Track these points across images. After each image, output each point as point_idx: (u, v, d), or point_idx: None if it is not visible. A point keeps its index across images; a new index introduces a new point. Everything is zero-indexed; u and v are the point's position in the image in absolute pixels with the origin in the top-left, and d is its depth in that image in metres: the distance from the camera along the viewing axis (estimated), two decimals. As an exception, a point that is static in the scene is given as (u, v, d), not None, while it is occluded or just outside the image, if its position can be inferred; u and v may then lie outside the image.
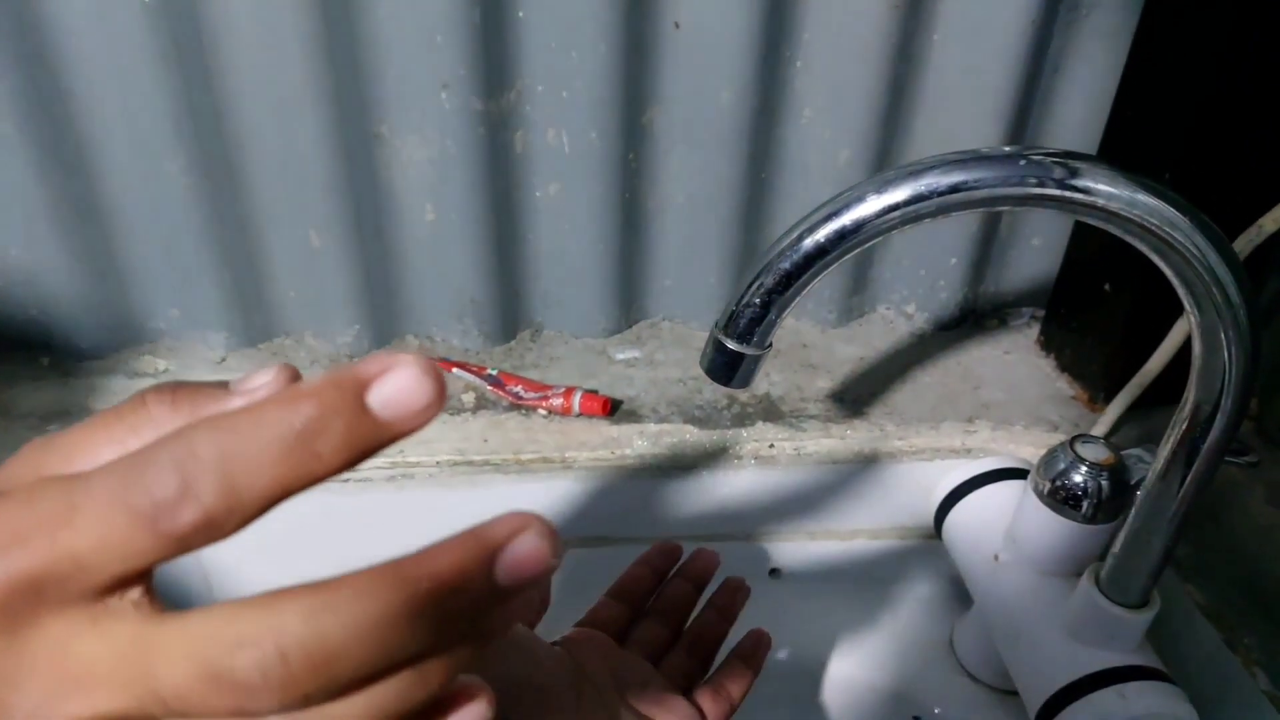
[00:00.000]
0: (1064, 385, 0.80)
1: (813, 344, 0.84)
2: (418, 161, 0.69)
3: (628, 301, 0.83)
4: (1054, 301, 0.84)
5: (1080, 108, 0.76)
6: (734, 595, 0.58)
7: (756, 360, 0.49)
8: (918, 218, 0.44)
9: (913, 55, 0.73)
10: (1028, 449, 0.73)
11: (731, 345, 0.48)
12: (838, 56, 0.72)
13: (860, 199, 0.43)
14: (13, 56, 0.61)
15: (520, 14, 0.66)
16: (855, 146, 0.75)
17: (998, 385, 0.80)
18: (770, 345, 0.49)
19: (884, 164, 0.77)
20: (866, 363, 0.82)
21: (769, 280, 0.46)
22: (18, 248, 0.68)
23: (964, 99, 0.74)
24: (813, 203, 0.71)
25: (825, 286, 0.84)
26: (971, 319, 0.88)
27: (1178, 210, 0.41)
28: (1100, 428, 0.71)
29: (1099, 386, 0.77)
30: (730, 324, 0.48)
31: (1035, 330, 0.86)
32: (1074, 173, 0.41)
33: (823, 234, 0.44)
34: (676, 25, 0.69)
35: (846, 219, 0.44)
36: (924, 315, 0.87)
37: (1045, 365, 0.83)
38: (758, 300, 0.47)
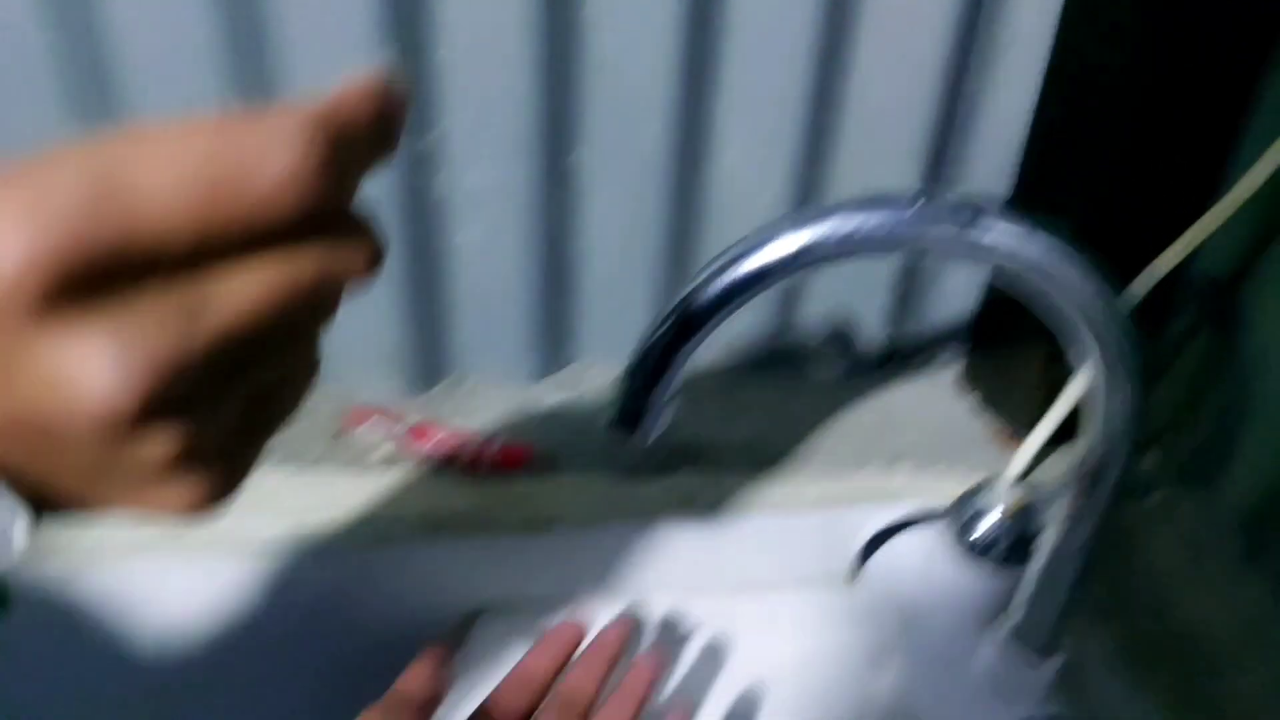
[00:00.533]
0: (984, 424, 0.81)
1: (737, 385, 0.84)
2: (331, 207, 0.68)
3: (555, 345, 0.82)
4: (974, 340, 0.85)
5: (996, 147, 0.78)
6: (643, 681, 0.56)
7: (662, 410, 0.49)
8: (814, 262, 0.44)
9: (832, 99, 0.74)
10: (950, 490, 0.73)
11: (636, 396, 0.48)
12: (759, 99, 0.72)
13: (758, 247, 0.43)
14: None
15: (440, 53, 0.66)
16: (778, 187, 0.76)
17: (919, 426, 0.80)
18: (677, 395, 0.49)
19: (808, 202, 0.77)
20: (788, 406, 0.82)
21: (670, 329, 0.46)
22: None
23: (883, 139, 0.75)
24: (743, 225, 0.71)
25: (746, 328, 0.84)
26: (894, 358, 0.89)
27: (1065, 257, 0.42)
28: (1014, 468, 0.72)
29: (1019, 424, 0.78)
30: (635, 374, 0.47)
31: (957, 369, 0.87)
32: (970, 218, 0.42)
33: (722, 283, 0.44)
34: (600, 66, 0.70)
35: (746, 267, 0.44)
36: (846, 356, 0.87)
37: (966, 405, 0.83)
38: (659, 350, 0.46)
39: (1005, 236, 0.42)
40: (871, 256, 0.46)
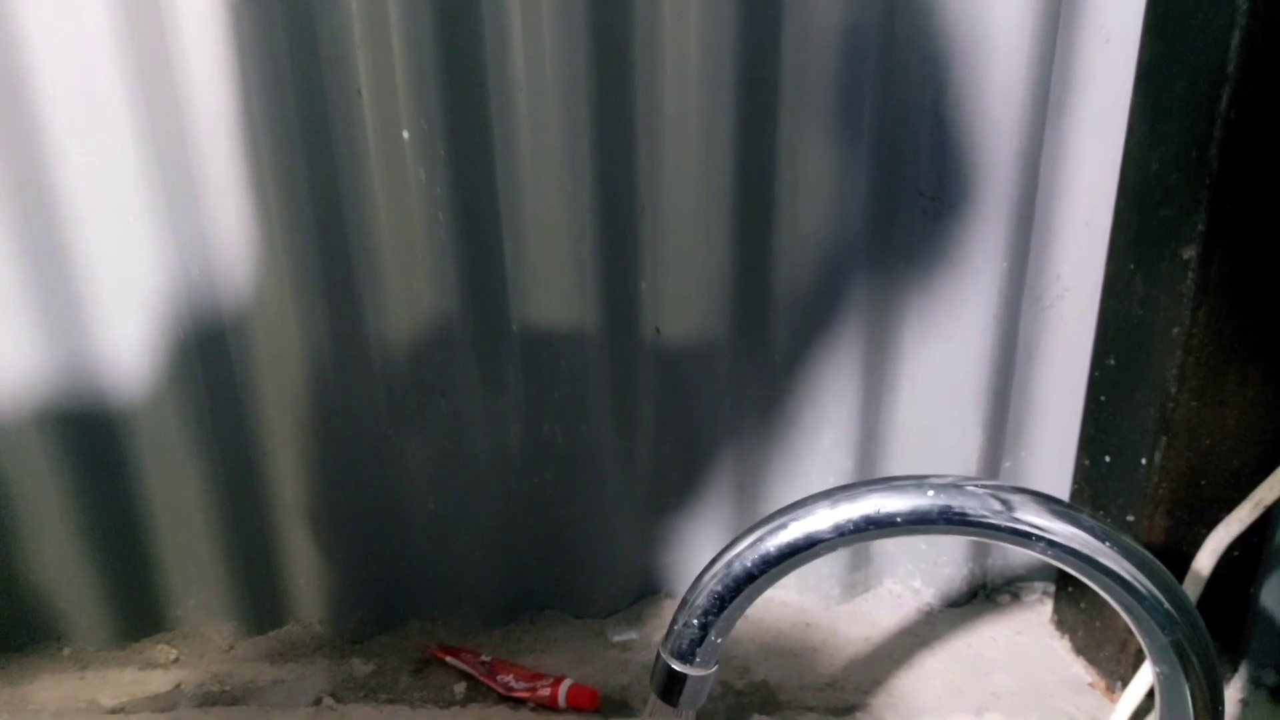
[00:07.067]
0: (1080, 670, 0.72)
1: (816, 622, 0.79)
2: (419, 460, 0.71)
3: (629, 581, 0.79)
4: (1063, 576, 0.78)
5: (1056, 391, 0.74)
6: None
7: (702, 680, 0.46)
8: (848, 542, 0.41)
9: (886, 354, 0.73)
10: (1041, 748, 0.65)
11: (676, 666, 0.45)
12: (816, 351, 0.72)
13: (783, 527, 0.41)
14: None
15: (514, 328, 0.69)
16: (838, 433, 0.74)
17: (1009, 670, 0.72)
18: (716, 665, 0.45)
19: (867, 448, 0.75)
20: (871, 644, 0.76)
21: (702, 601, 0.43)
22: (52, 546, 0.70)
23: (940, 390, 0.73)
24: (802, 483, 0.69)
25: (824, 561, 0.80)
26: (982, 594, 0.82)
27: (1099, 537, 0.38)
28: (1115, 726, 0.63)
29: (1115, 673, 0.69)
30: (672, 644, 0.45)
31: (1049, 608, 0.79)
32: (1008, 505, 0.39)
33: (750, 559, 0.42)
34: (658, 330, 0.71)
35: (771, 544, 0.42)
36: (931, 591, 0.81)
37: (1060, 647, 0.75)
38: (695, 621, 0.44)
39: (1040, 520, 0.38)
40: (910, 533, 0.43)
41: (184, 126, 0.61)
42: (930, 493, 0.38)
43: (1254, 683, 0.68)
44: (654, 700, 0.47)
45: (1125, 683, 0.66)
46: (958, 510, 0.39)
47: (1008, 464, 0.77)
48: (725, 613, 0.43)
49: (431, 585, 0.75)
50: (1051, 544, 0.38)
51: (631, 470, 0.75)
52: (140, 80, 0.60)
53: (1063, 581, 0.78)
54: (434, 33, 0.60)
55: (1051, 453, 0.76)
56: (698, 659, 0.45)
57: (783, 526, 0.41)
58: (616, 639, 0.76)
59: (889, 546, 0.81)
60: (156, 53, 0.59)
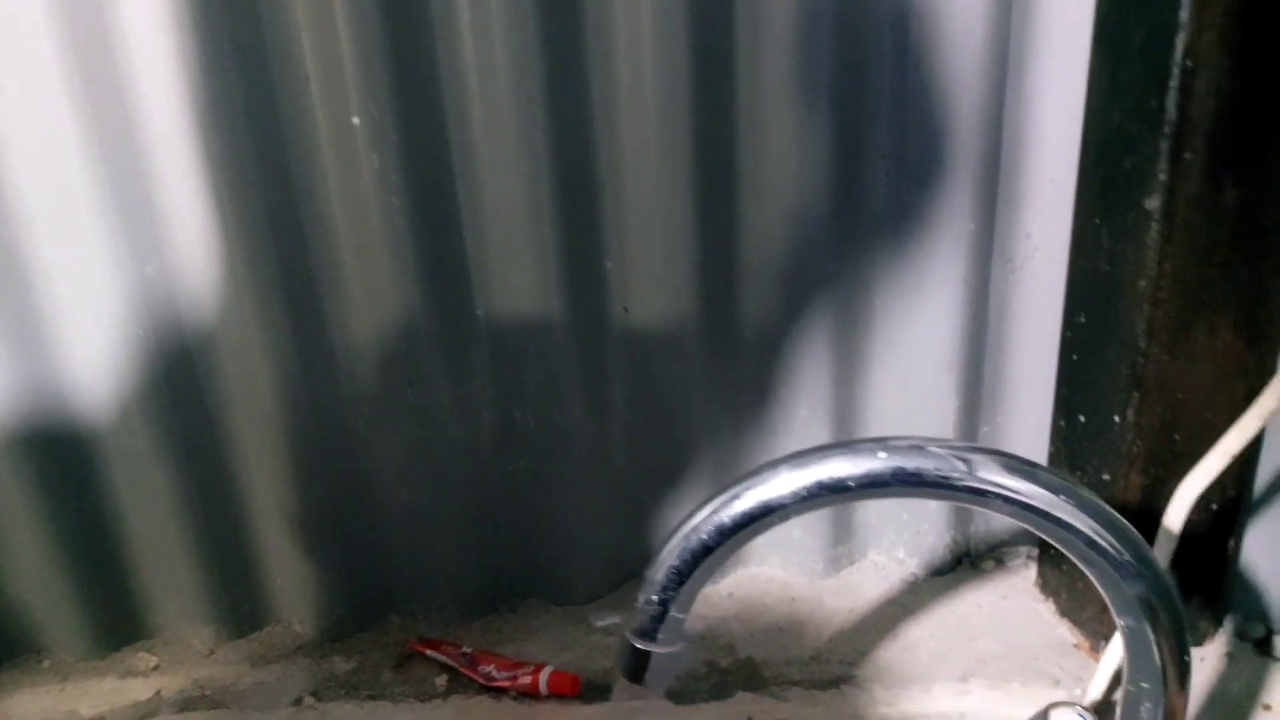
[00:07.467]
0: (1065, 632, 0.72)
1: (801, 597, 0.78)
2: (390, 452, 0.70)
3: (610, 565, 0.79)
4: (1044, 542, 0.77)
5: (1030, 353, 0.73)
6: None
7: (668, 658, 0.45)
8: (805, 509, 0.41)
9: (857, 319, 0.72)
10: (1026, 709, 0.64)
11: (639, 645, 0.44)
12: (786, 322, 0.71)
13: (738, 496, 0.41)
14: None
15: (479, 313, 0.68)
16: (812, 405, 0.73)
17: (994, 635, 0.72)
18: (681, 643, 0.45)
19: (843, 419, 0.74)
20: (856, 615, 0.75)
21: (661, 577, 0.43)
22: (26, 559, 0.69)
23: (912, 354, 0.72)
24: (775, 452, 0.68)
25: (807, 535, 0.79)
26: (966, 561, 0.81)
27: (1056, 492, 0.37)
28: (1097, 685, 0.62)
29: (1099, 633, 0.68)
30: (635, 623, 0.44)
31: (1033, 572, 0.79)
32: (965, 464, 0.38)
33: (706, 531, 0.41)
34: (626, 309, 0.70)
35: (726, 515, 0.41)
36: (915, 560, 0.80)
37: (1044, 610, 0.74)
38: (655, 598, 0.43)
39: (996, 477, 0.38)
40: (866, 497, 0.42)
41: (130, 120, 0.60)
42: (882, 454, 0.37)
43: (1240, 636, 0.68)
44: (622, 681, 0.47)
45: (1109, 642, 0.65)
46: (912, 471, 0.38)
47: (985, 429, 0.76)
48: (685, 587, 0.43)
49: (410, 579, 0.74)
50: (1008, 500, 0.37)
51: (606, 453, 0.74)
52: (80, 73, 0.59)
53: (1045, 545, 0.77)
54: (379, 14, 0.59)
55: (1029, 415, 0.75)
56: (661, 636, 0.44)
57: (737, 496, 0.40)
58: (599, 624, 0.75)
59: (872, 518, 0.80)
60: (97, 45, 0.58)
